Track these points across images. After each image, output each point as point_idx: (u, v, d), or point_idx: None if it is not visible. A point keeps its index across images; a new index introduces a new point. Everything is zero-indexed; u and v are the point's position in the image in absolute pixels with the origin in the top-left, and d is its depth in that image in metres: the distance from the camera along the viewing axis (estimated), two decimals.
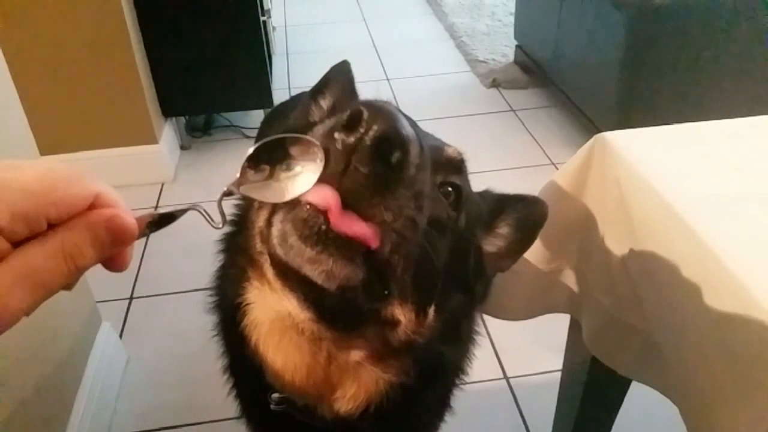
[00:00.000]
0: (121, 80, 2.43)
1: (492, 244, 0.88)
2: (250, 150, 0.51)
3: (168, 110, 2.74)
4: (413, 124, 0.78)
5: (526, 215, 0.89)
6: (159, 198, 2.56)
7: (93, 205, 0.41)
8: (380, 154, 0.52)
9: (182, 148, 2.90)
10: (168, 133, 2.74)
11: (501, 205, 0.89)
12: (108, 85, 2.42)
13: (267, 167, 0.51)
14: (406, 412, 0.80)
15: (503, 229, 0.89)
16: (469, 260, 0.79)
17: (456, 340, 0.82)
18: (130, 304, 2.05)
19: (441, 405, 0.93)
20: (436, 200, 0.67)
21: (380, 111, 0.52)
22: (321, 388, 0.76)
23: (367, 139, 0.51)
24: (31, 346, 1.33)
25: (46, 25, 2.26)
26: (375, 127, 0.51)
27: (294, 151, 0.53)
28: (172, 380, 1.79)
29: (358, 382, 0.75)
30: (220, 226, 0.49)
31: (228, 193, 0.50)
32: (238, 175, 0.50)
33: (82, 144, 2.52)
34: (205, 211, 0.48)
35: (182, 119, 2.90)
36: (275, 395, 0.79)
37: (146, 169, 2.60)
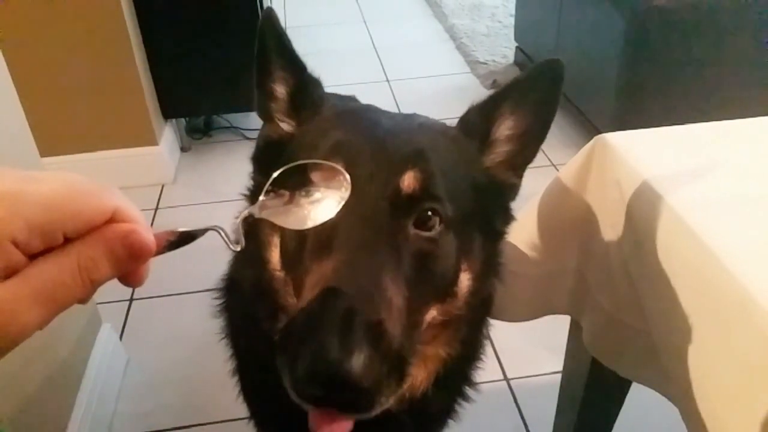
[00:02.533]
0: (121, 82, 2.43)
1: (499, 153, 0.83)
2: (274, 174, 0.51)
3: (168, 112, 2.73)
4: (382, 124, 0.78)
5: (529, 96, 0.81)
6: (159, 199, 2.56)
7: (112, 220, 0.40)
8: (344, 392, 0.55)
9: (182, 149, 2.90)
10: (168, 134, 2.74)
11: (492, 110, 0.82)
12: (108, 87, 2.42)
13: (287, 192, 0.52)
14: (461, 365, 0.86)
15: (505, 131, 0.83)
16: (476, 214, 0.79)
17: (488, 278, 0.84)
18: (130, 305, 2.04)
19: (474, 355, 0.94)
20: (415, 248, 0.69)
21: (320, 369, 0.54)
22: None
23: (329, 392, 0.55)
24: (31, 348, 1.33)
25: (45, 26, 2.26)
26: (326, 385, 0.54)
27: (315, 177, 0.54)
28: (172, 382, 1.79)
29: (424, 365, 0.80)
30: (239, 248, 0.49)
31: (248, 217, 0.50)
32: (261, 197, 0.51)
33: (82, 146, 2.52)
34: (224, 232, 0.48)
35: (182, 121, 2.89)
36: None
37: (146, 171, 2.60)
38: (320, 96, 0.84)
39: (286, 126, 0.85)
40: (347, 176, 0.53)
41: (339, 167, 0.54)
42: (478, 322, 0.87)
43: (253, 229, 0.81)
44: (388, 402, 0.59)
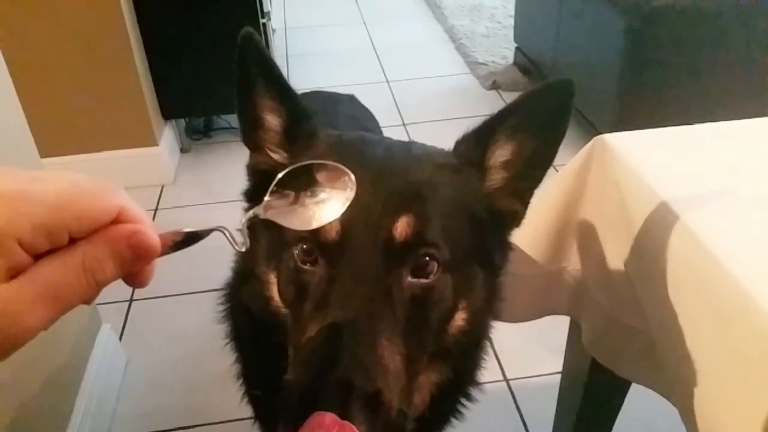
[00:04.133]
0: (121, 83, 2.43)
1: (496, 180, 0.79)
2: (279, 175, 0.51)
3: (168, 112, 2.74)
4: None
5: (534, 119, 0.75)
6: (159, 200, 2.56)
7: (117, 220, 0.40)
8: None
9: (182, 150, 2.90)
10: (168, 135, 2.74)
11: (487, 136, 0.77)
12: (108, 88, 2.42)
13: (292, 193, 0.51)
14: (455, 383, 0.84)
15: (502, 157, 0.78)
16: (475, 250, 0.76)
17: (486, 317, 0.82)
18: (129, 306, 2.05)
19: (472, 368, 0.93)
20: (411, 296, 0.68)
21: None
22: None
23: None
24: (31, 349, 1.33)
25: (45, 27, 2.26)
26: None
27: (320, 177, 0.53)
28: (171, 382, 1.79)
29: (420, 392, 0.78)
30: (243, 249, 0.49)
31: (253, 218, 0.49)
32: (266, 198, 0.50)
33: (82, 146, 2.52)
34: (229, 232, 0.47)
35: (182, 122, 2.90)
36: None
37: (146, 172, 2.60)
38: (314, 127, 0.80)
39: (278, 156, 0.81)
40: (352, 177, 0.52)
41: (344, 168, 0.53)
42: (470, 350, 0.85)
43: (252, 265, 0.80)
44: None
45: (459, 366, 0.82)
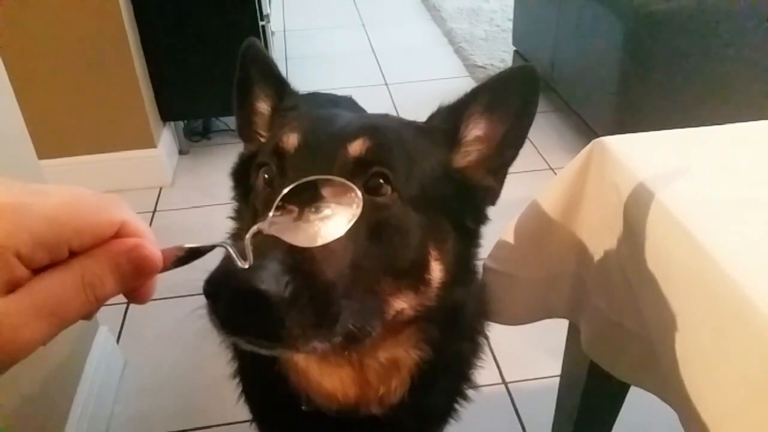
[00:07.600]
0: (120, 84, 2.43)
1: (470, 152, 0.83)
2: (285, 190, 0.51)
3: (166, 114, 2.74)
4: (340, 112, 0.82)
5: (505, 101, 0.80)
6: (157, 202, 2.55)
7: (118, 234, 0.39)
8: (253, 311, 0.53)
9: (181, 152, 2.90)
10: (166, 137, 2.74)
11: (461, 110, 0.83)
12: (107, 90, 2.42)
13: (296, 208, 0.51)
14: (439, 371, 0.84)
15: (476, 131, 0.83)
16: (446, 205, 0.78)
17: (461, 280, 0.82)
18: (127, 308, 2.04)
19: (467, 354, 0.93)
20: (368, 207, 0.66)
21: (229, 281, 0.52)
22: (366, 395, 0.81)
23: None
24: None
25: (44, 29, 2.26)
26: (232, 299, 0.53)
27: (325, 192, 0.53)
28: (169, 385, 1.79)
29: (398, 371, 0.79)
30: (247, 265, 0.47)
31: (256, 233, 0.49)
32: (270, 213, 0.50)
33: (80, 148, 2.52)
34: (232, 248, 0.47)
35: (181, 123, 2.90)
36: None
37: (144, 174, 2.60)
38: (295, 103, 0.88)
39: (264, 139, 0.88)
40: (359, 193, 0.52)
41: (350, 184, 0.53)
42: (449, 326, 0.84)
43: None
44: (307, 339, 0.55)
45: (440, 343, 0.81)
